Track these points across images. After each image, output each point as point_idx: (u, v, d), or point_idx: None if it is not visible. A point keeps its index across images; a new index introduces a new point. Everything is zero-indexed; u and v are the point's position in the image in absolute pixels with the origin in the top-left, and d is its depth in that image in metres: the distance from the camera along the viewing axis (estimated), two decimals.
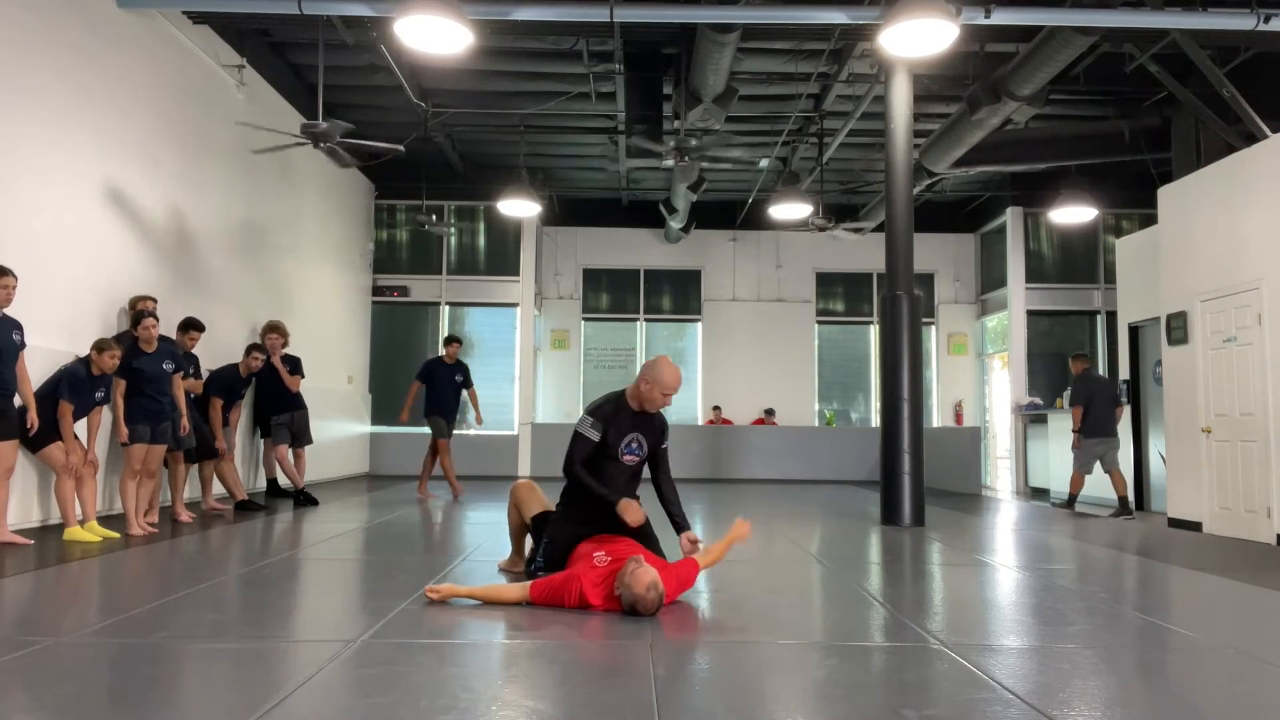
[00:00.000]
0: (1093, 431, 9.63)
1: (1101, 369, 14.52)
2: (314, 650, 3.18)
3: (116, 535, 6.09)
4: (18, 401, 5.70)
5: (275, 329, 9.02)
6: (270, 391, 9.15)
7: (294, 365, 9.19)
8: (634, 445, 4.47)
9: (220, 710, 2.53)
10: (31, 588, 4.34)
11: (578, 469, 4.41)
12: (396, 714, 2.49)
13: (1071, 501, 9.74)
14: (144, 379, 6.51)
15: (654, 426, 4.55)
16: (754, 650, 3.33)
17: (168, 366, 6.70)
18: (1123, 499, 9.27)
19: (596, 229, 15.99)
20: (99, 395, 6.28)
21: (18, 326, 5.62)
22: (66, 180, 6.96)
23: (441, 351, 10.23)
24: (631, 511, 4.30)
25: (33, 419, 5.70)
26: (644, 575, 3.74)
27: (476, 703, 2.61)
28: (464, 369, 10.15)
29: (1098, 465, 9.59)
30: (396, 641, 3.32)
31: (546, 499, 4.76)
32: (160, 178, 8.28)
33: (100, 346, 6.14)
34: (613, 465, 4.45)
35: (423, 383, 10.05)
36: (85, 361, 6.21)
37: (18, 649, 3.13)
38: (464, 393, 10.16)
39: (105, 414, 6.54)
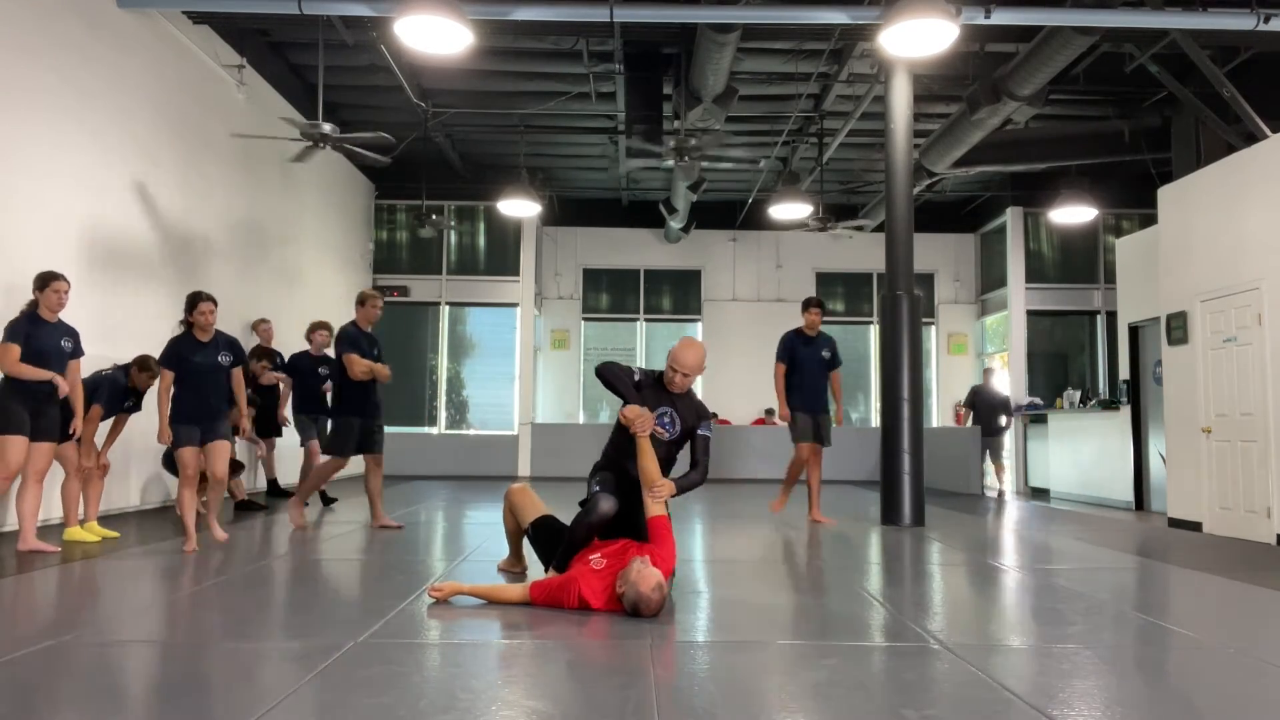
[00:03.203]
0: (981, 432, 11.99)
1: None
2: (314, 650, 3.18)
3: (116, 535, 6.09)
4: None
5: (324, 326, 8.72)
6: (314, 389, 8.73)
7: (331, 368, 8.69)
8: (666, 419, 4.46)
9: (220, 710, 2.53)
10: (32, 588, 4.35)
11: (607, 369, 4.53)
12: (396, 714, 2.49)
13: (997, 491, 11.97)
14: (196, 372, 5.82)
15: (691, 408, 4.53)
16: (754, 650, 3.33)
17: (224, 359, 5.96)
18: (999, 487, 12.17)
19: (596, 229, 15.99)
20: (128, 404, 6.37)
21: (71, 333, 5.57)
22: (66, 180, 6.96)
23: (800, 321, 7.82)
24: (633, 410, 4.31)
25: (76, 426, 5.64)
26: (650, 576, 3.74)
27: (476, 703, 2.61)
28: (831, 344, 7.82)
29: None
30: (396, 641, 3.32)
31: (542, 503, 4.73)
32: (160, 178, 8.28)
33: (142, 365, 6.23)
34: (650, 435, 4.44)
35: (784, 363, 7.77)
36: (125, 370, 6.27)
37: (18, 649, 3.13)
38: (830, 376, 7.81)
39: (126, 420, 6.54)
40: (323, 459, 7.17)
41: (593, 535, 4.25)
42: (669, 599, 4.22)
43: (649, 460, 4.26)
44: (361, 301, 7.05)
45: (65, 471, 6.04)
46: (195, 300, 5.85)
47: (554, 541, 4.41)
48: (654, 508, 4.17)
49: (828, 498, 10.52)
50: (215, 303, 5.92)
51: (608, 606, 3.86)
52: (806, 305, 7.79)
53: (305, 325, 9.04)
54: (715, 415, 15.32)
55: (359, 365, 6.74)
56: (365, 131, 8.67)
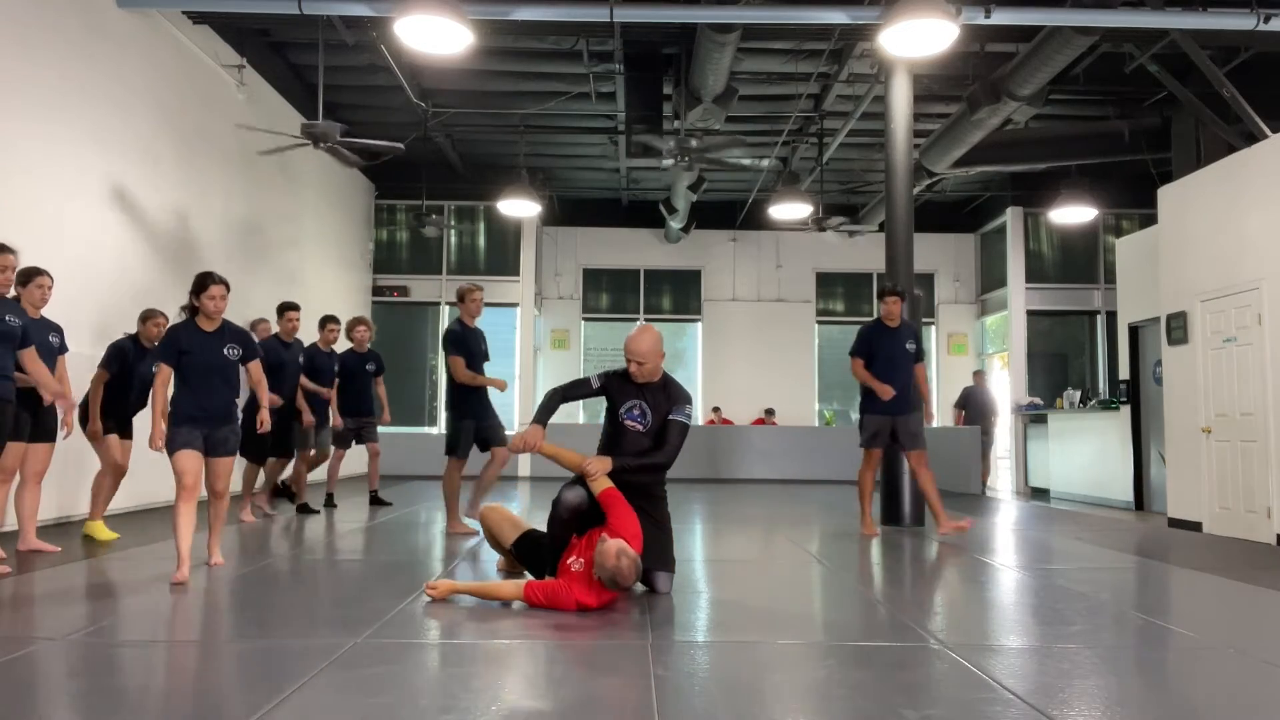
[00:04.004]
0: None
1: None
2: (314, 650, 3.18)
3: (116, 535, 6.08)
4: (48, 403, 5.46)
5: (364, 321, 8.27)
6: (364, 389, 8.22)
7: (379, 364, 8.39)
8: (635, 412, 4.45)
9: (220, 710, 2.53)
10: (31, 588, 4.34)
11: (556, 389, 4.57)
12: (396, 714, 2.49)
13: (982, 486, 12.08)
14: (197, 368, 4.83)
15: (664, 395, 4.48)
16: (754, 650, 3.33)
17: (232, 353, 4.95)
18: (983, 483, 12.11)
19: (596, 229, 16.00)
20: (153, 369, 6.06)
21: (56, 329, 5.50)
22: (66, 180, 6.96)
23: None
24: (515, 439, 4.36)
25: (71, 422, 5.50)
26: (609, 549, 3.79)
27: (476, 703, 2.61)
28: (915, 334, 7.05)
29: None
30: (396, 641, 3.32)
31: (518, 518, 4.66)
32: (160, 177, 8.28)
33: (145, 316, 6.02)
34: (624, 434, 4.44)
35: (861, 358, 6.88)
36: (134, 337, 6.12)
37: (19, 649, 3.13)
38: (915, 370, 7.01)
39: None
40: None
41: (569, 530, 4.21)
42: (669, 595, 4.24)
43: (565, 458, 4.30)
44: (460, 298, 6.74)
45: (103, 464, 5.92)
46: (204, 282, 4.88)
47: (540, 553, 4.38)
48: (596, 486, 4.19)
49: (828, 497, 10.52)
50: (228, 286, 4.96)
51: (603, 600, 3.89)
52: (883, 293, 6.98)
53: (304, 325, 9.00)
54: (717, 410, 15.32)
55: (463, 373, 6.49)
56: (363, 130, 8.66)
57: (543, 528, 4.50)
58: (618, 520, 4.05)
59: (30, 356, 5.01)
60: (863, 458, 6.99)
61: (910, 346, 6.88)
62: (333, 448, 8.25)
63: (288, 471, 8.58)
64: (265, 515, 7.48)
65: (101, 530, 5.96)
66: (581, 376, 4.68)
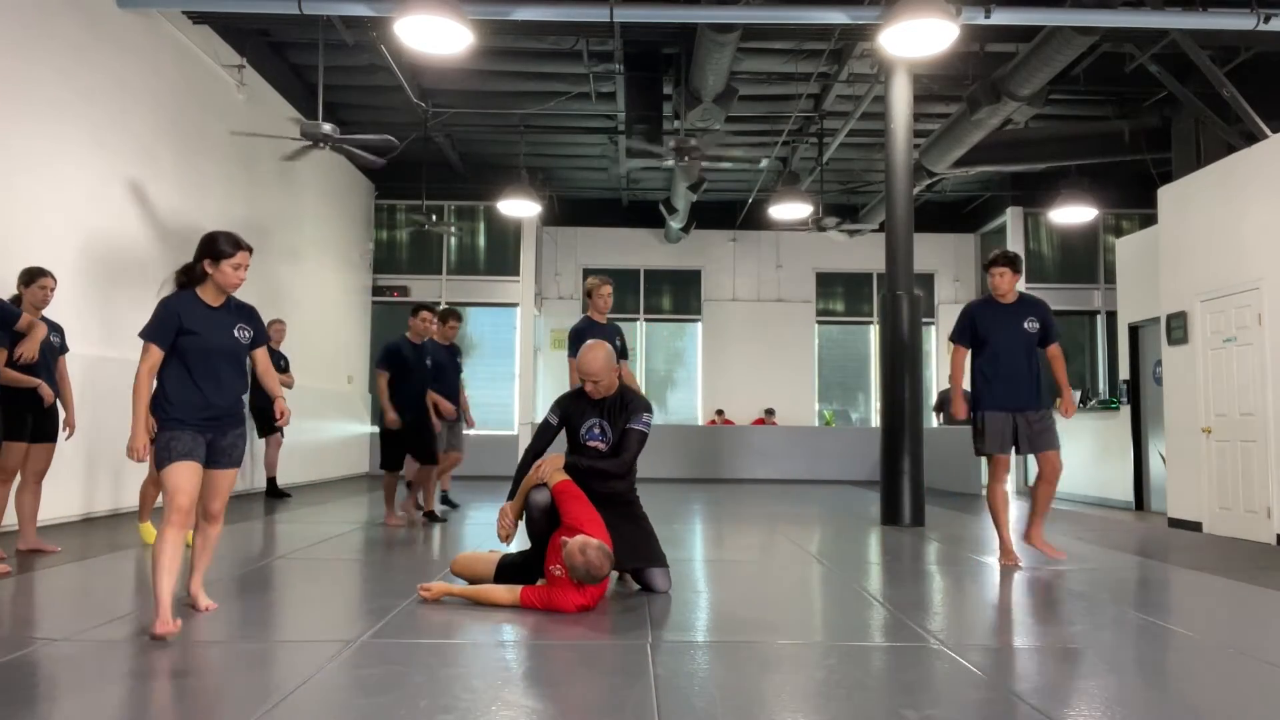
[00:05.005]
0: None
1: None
2: (314, 650, 3.18)
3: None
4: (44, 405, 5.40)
5: (454, 314, 7.67)
6: (453, 384, 7.61)
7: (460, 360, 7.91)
8: (595, 431, 4.46)
9: (220, 710, 2.53)
10: (32, 587, 4.34)
11: (527, 451, 4.54)
12: (396, 714, 2.49)
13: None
14: (199, 352, 3.67)
15: (622, 410, 4.45)
16: (754, 650, 3.33)
17: (243, 334, 3.82)
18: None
19: (596, 229, 16.00)
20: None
21: (57, 329, 5.49)
22: (65, 179, 6.96)
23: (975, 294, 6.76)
24: (503, 522, 4.31)
25: (71, 422, 5.53)
26: (572, 546, 3.79)
27: (476, 703, 2.61)
28: (1039, 310, 5.62)
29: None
30: (396, 641, 3.32)
31: (485, 553, 4.56)
32: (160, 177, 8.28)
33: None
34: (586, 454, 4.44)
35: (965, 345, 5.71)
36: None
37: (19, 648, 3.13)
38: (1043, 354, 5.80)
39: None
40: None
41: (544, 528, 4.19)
42: (669, 595, 4.24)
43: (525, 488, 4.32)
44: (589, 293, 6.38)
45: (150, 471, 5.80)
46: (224, 248, 3.79)
47: (525, 569, 4.31)
48: (551, 482, 4.22)
49: (828, 497, 10.52)
50: (251, 252, 3.93)
51: (595, 596, 3.91)
52: (989, 264, 5.58)
53: (304, 326, 9.01)
54: (720, 412, 15.30)
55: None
56: (366, 132, 8.65)
57: (511, 549, 4.51)
58: (570, 516, 4.05)
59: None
60: (988, 470, 5.60)
61: (1031, 326, 5.48)
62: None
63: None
64: (409, 521, 7.17)
65: (150, 532, 5.85)
66: (541, 423, 4.63)
